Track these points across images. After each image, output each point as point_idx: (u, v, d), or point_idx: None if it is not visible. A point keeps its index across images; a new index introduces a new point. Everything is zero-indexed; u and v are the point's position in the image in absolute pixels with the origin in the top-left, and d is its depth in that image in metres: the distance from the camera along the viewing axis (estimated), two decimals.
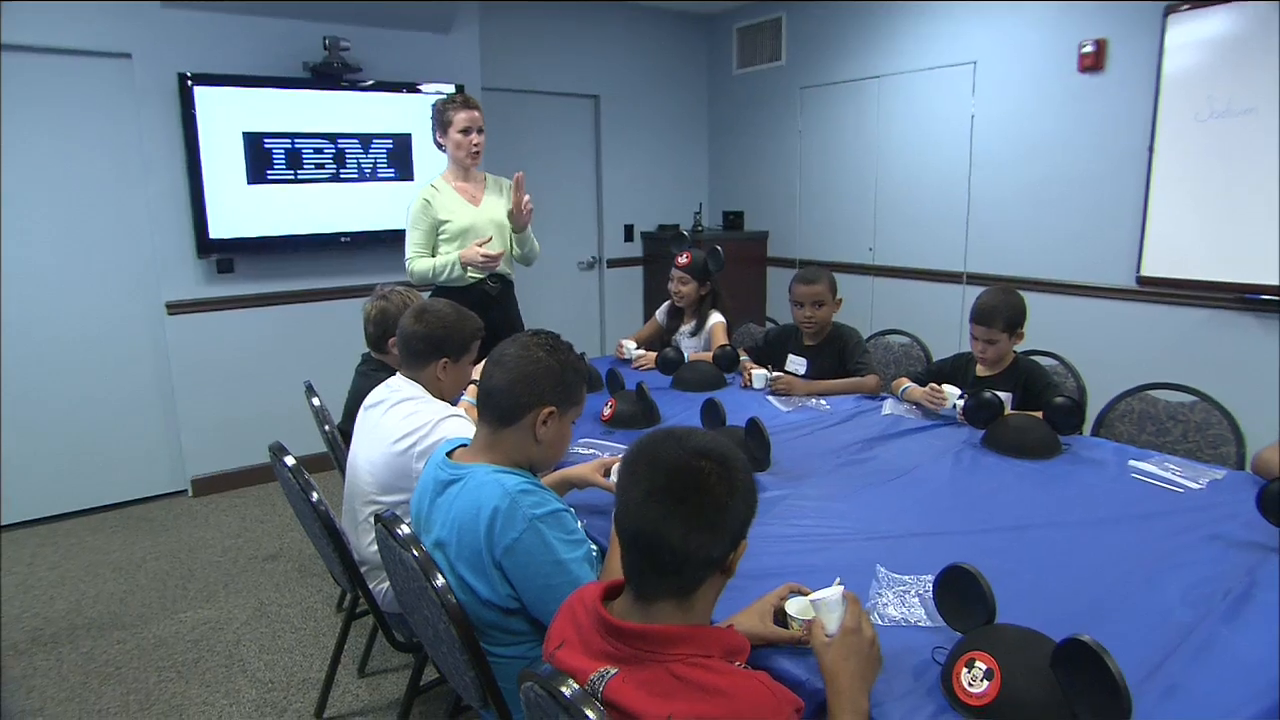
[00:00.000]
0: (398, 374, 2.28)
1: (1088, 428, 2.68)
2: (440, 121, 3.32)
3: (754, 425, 2.29)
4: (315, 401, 2.80)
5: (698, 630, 1.13)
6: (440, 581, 1.51)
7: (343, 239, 4.55)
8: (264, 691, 2.70)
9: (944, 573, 1.41)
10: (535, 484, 1.60)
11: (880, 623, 1.53)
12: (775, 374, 3.19)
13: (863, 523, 1.98)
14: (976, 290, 3.07)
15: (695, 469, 1.12)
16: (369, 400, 2.28)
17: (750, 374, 3.23)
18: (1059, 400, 2.47)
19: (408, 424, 2.10)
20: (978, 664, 1.27)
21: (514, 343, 1.68)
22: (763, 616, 1.45)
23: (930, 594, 1.60)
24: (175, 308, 4.23)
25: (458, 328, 2.23)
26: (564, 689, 1.10)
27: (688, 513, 1.10)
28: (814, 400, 3.06)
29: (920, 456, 2.45)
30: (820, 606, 1.33)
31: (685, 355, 3.49)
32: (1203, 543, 1.84)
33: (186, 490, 4.45)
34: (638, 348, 3.71)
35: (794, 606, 1.47)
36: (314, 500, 1.97)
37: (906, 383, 3.00)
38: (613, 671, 1.13)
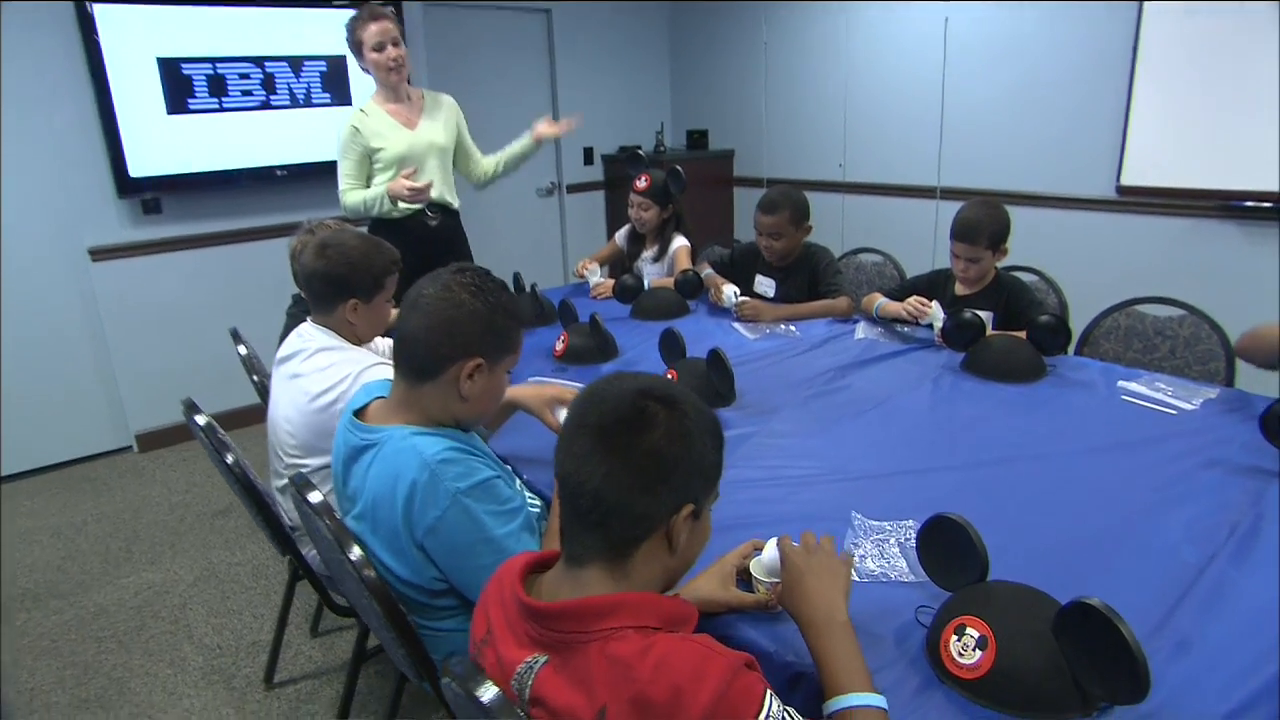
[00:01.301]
0: (308, 320, 2.05)
1: (1071, 346, 2.52)
2: (353, 43, 3.01)
3: (715, 357, 2.10)
4: (242, 350, 2.56)
5: (630, 596, 0.94)
6: (357, 554, 1.32)
7: (279, 172, 4.22)
8: (211, 658, 2.55)
9: (928, 524, 1.25)
10: (461, 447, 1.38)
11: (858, 579, 1.38)
12: (741, 298, 2.99)
13: (836, 461, 1.81)
14: (951, 205, 2.89)
15: (636, 409, 0.94)
16: (282, 352, 2.05)
17: (720, 290, 3.03)
18: (1044, 319, 2.30)
19: (326, 378, 1.87)
20: (969, 631, 1.11)
21: (433, 281, 1.41)
22: (724, 580, 1.29)
23: (912, 542, 1.44)
24: (100, 253, 3.91)
25: (365, 262, 1.94)
26: (482, 692, 0.93)
27: (618, 457, 0.93)
28: (782, 326, 2.87)
29: (897, 384, 2.28)
30: (761, 569, 1.22)
31: (647, 282, 3.27)
32: (1201, 469, 1.70)
33: (131, 446, 4.22)
34: (600, 270, 3.48)
35: (760, 567, 1.30)
36: (229, 462, 1.77)
37: (880, 298, 2.78)
38: (542, 660, 0.96)
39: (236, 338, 2.63)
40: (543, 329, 2.98)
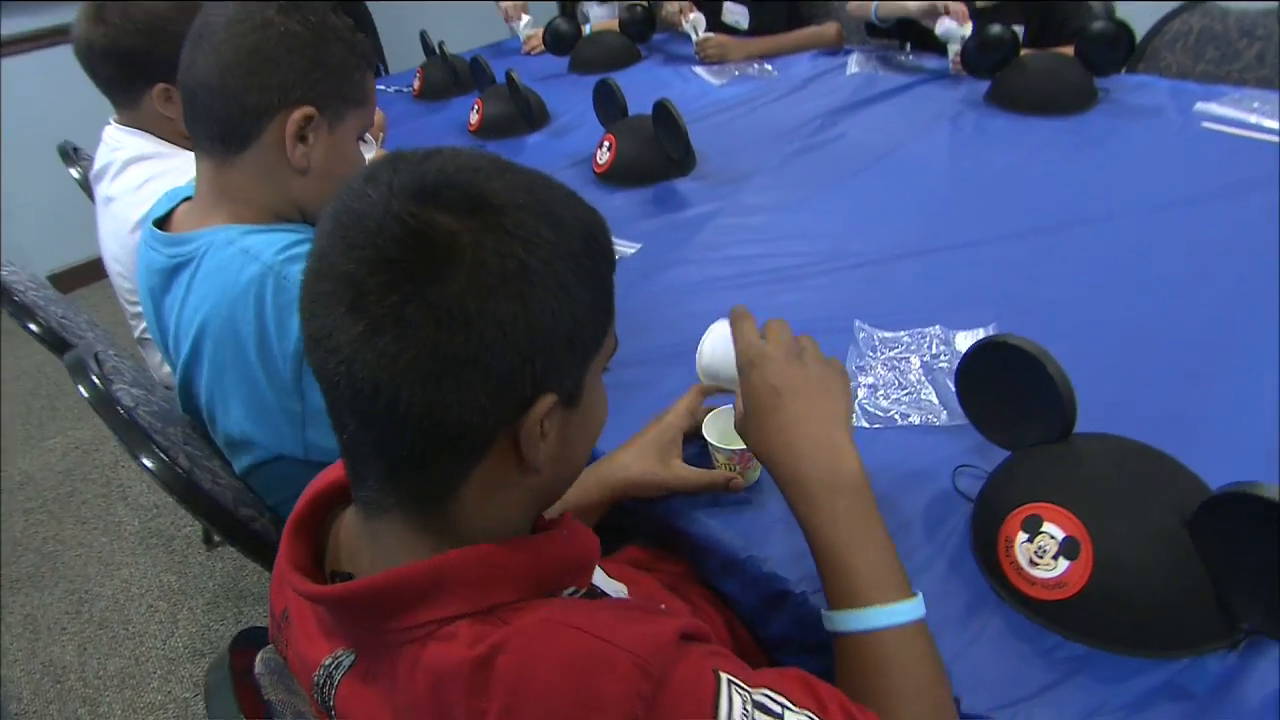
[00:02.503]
0: (110, 123, 1.47)
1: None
2: None
3: (663, 111, 1.56)
4: (74, 172, 1.94)
5: (455, 560, 0.52)
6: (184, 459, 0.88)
7: None
8: (148, 519, 2.24)
9: (974, 353, 0.80)
10: (309, 238, 0.89)
11: (861, 422, 0.96)
12: (705, 34, 2.36)
13: (830, 243, 1.34)
14: None
15: (413, 235, 0.47)
16: (94, 169, 1.49)
17: (686, 14, 2.38)
18: (1098, 27, 1.72)
19: (142, 199, 1.33)
20: (1048, 528, 0.70)
21: (223, 5, 0.91)
22: (662, 451, 0.86)
23: (941, 361, 1.01)
24: None
25: (173, 28, 1.31)
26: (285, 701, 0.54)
27: (393, 329, 0.46)
28: (755, 65, 2.27)
29: (904, 129, 1.75)
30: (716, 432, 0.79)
31: (588, 28, 2.60)
32: None
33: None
34: (531, 21, 2.78)
35: (717, 428, 0.88)
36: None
37: None
38: (346, 660, 0.56)
39: (71, 157, 1.99)
40: (458, 99, 2.40)
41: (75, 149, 1.84)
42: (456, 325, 0.46)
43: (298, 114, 0.91)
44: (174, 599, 1.98)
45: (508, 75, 1.99)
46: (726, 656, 0.56)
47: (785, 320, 0.76)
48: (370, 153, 1.13)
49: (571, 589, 0.57)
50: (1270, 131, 1.52)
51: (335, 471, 0.64)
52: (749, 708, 0.52)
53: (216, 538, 2.04)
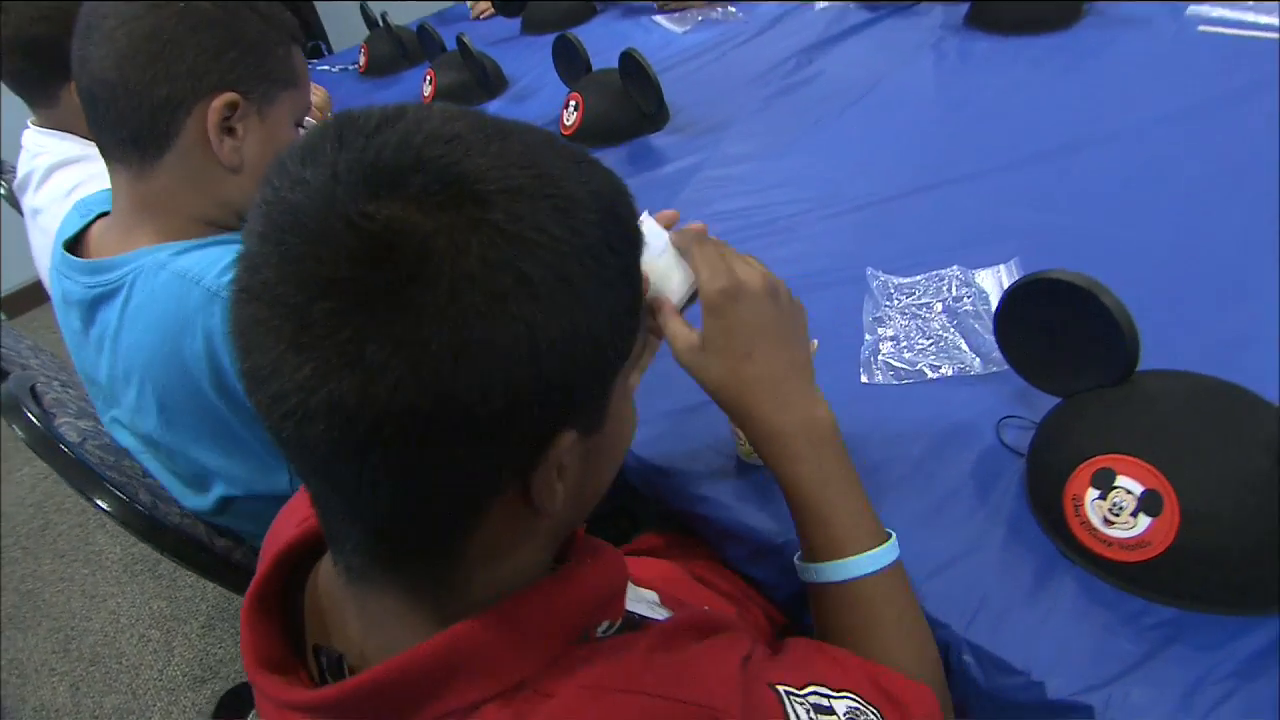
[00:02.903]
0: (29, 126, 1.34)
1: None
2: None
3: (630, 62, 1.45)
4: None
5: (479, 632, 0.41)
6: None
7: None
8: (129, 546, 2.12)
9: (1013, 295, 0.72)
10: None
11: (888, 379, 0.88)
12: None
13: (825, 188, 1.25)
14: None
15: (366, 247, 0.34)
16: (17, 180, 1.37)
17: None
18: None
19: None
20: (1122, 481, 0.62)
21: None
22: None
23: (966, 304, 0.93)
24: None
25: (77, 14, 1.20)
26: None
27: (340, 372, 0.34)
28: (719, 9, 2.16)
29: (885, 61, 1.65)
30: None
31: None
32: None
33: None
34: None
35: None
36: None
37: None
38: None
39: None
40: (408, 72, 2.27)
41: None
42: (438, 366, 0.34)
43: (218, 102, 0.78)
44: (167, 626, 1.89)
45: (459, 41, 1.86)
46: (770, 661, 0.51)
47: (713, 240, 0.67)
48: None
49: (606, 624, 0.48)
50: (1271, 29, 1.44)
51: (301, 523, 0.52)
52: (811, 713, 0.47)
53: None
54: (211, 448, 0.82)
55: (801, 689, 0.48)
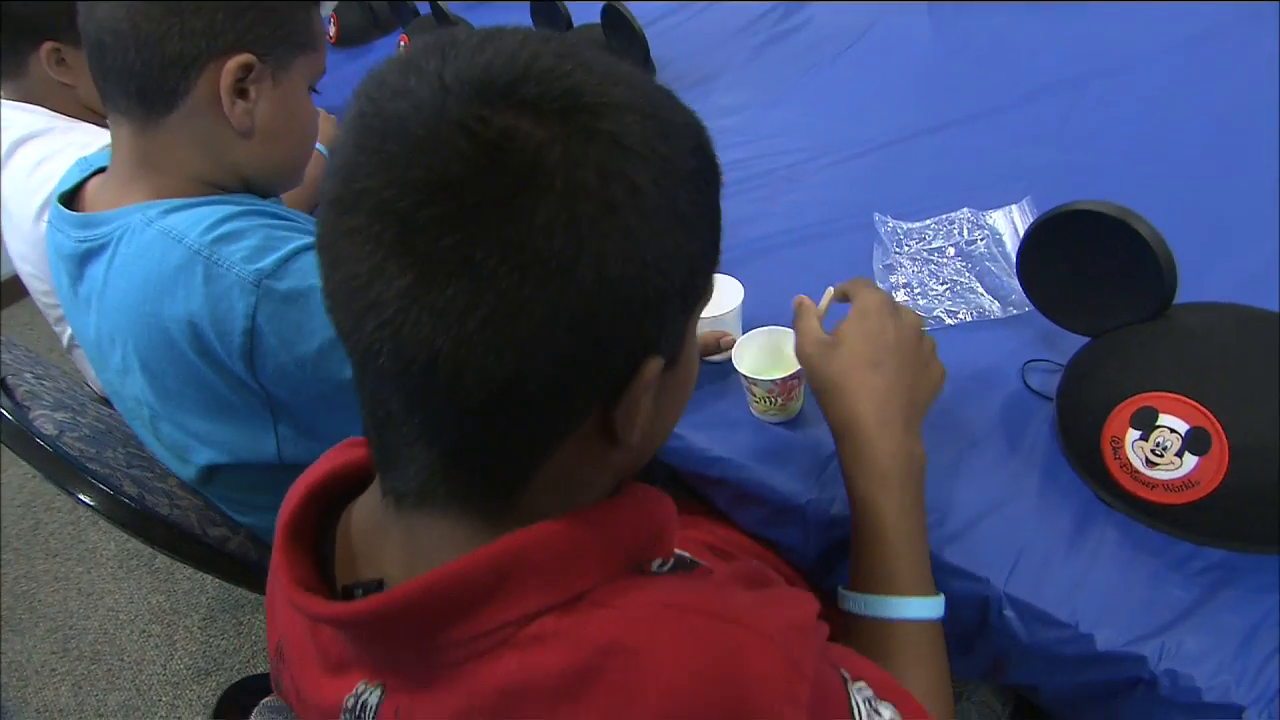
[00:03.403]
0: None
1: None
2: None
3: (613, 14, 1.39)
4: None
5: (540, 539, 0.40)
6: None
7: None
8: (123, 541, 2.06)
9: (1038, 231, 0.68)
10: (247, 208, 0.76)
11: None
12: None
13: (825, 135, 1.20)
14: None
15: (484, 149, 0.33)
16: None
17: None
18: None
19: (41, 181, 1.15)
20: (1166, 420, 0.59)
21: None
22: None
23: (980, 246, 0.89)
24: None
25: None
26: None
27: (457, 280, 0.33)
28: None
29: (877, 4, 1.59)
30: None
31: None
32: None
33: None
34: None
35: (748, 358, 0.76)
36: None
37: None
38: (372, 698, 0.44)
39: None
40: (380, 41, 2.19)
41: None
42: (548, 273, 0.33)
43: (233, 63, 0.74)
44: (167, 620, 1.85)
45: (433, 6, 1.79)
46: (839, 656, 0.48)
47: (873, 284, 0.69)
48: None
49: (659, 560, 0.46)
50: None
51: (328, 462, 0.51)
52: (867, 706, 0.45)
53: None
54: (196, 411, 0.78)
55: (854, 680, 0.46)
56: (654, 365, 0.39)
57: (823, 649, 0.45)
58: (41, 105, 1.23)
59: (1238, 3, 1.24)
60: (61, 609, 1.95)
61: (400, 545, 0.44)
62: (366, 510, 0.48)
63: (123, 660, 1.79)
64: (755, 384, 0.74)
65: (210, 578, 1.92)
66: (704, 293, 0.43)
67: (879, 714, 0.45)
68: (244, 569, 0.83)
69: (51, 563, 2.09)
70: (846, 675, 0.45)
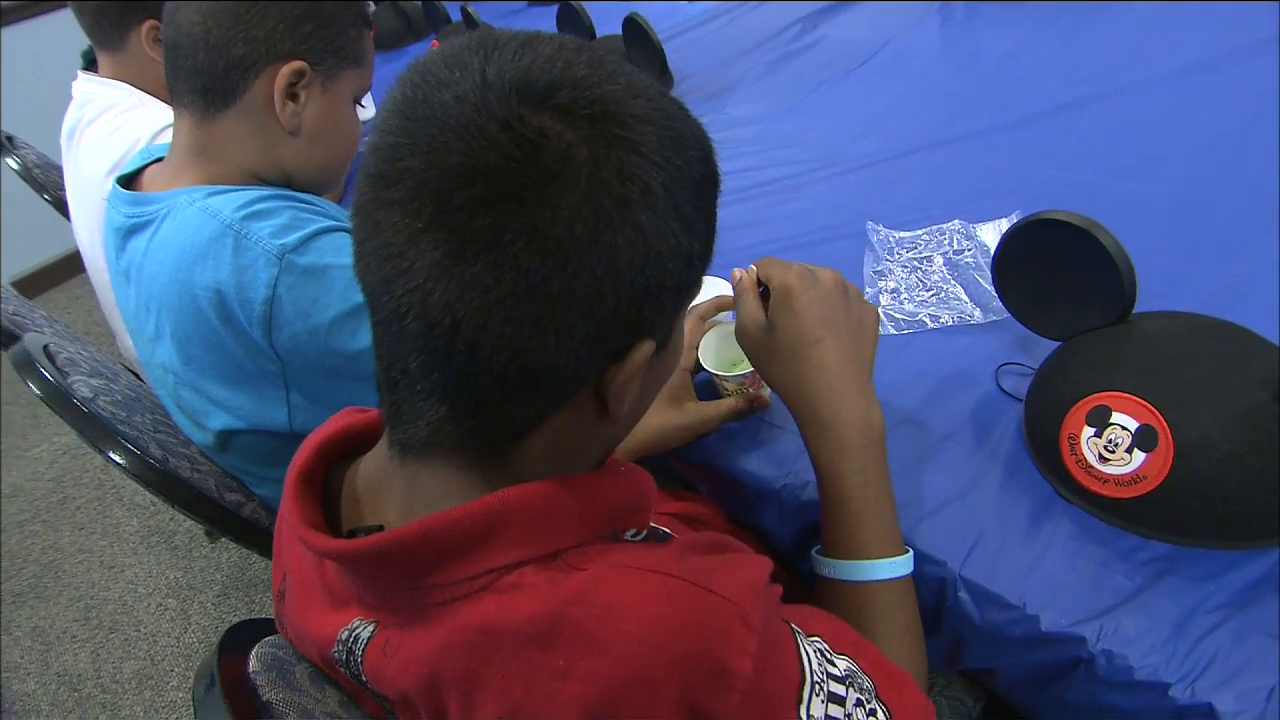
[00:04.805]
0: (79, 76, 1.35)
1: None
2: None
3: (634, 26, 1.45)
4: (12, 162, 1.78)
5: (526, 497, 0.45)
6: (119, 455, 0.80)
7: None
8: (146, 518, 2.16)
9: (1012, 238, 0.72)
10: (281, 194, 0.84)
11: (888, 330, 0.88)
12: None
13: (829, 148, 1.24)
14: None
15: (519, 143, 0.38)
16: (62, 135, 1.37)
17: None
18: None
19: (109, 149, 1.23)
20: (1118, 419, 0.63)
21: None
22: (675, 396, 0.78)
23: (967, 257, 0.93)
24: None
25: None
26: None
27: (483, 258, 0.38)
28: None
29: (889, 26, 1.64)
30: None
31: None
32: None
33: None
34: None
35: (712, 354, 0.80)
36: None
37: None
38: (364, 632, 0.49)
39: (3, 147, 1.81)
40: (414, 46, 2.27)
41: (10, 137, 1.71)
42: (565, 257, 0.38)
43: (287, 69, 0.83)
44: (183, 595, 1.92)
45: (464, 12, 1.86)
46: (782, 603, 0.52)
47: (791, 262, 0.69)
48: (367, 116, 1.04)
49: (632, 531, 0.50)
50: None
51: (339, 421, 0.56)
52: (819, 657, 0.48)
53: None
54: (216, 378, 0.84)
55: (808, 636, 0.50)
56: (647, 347, 0.43)
57: (774, 607, 0.48)
58: (126, 80, 1.31)
59: (1237, 36, 1.27)
60: (84, 579, 2.03)
61: (402, 494, 0.49)
62: (372, 464, 0.52)
63: (139, 631, 1.85)
64: (727, 380, 0.78)
65: (225, 557, 1.99)
66: (696, 287, 0.47)
67: (834, 664, 0.48)
68: (256, 533, 0.89)
69: (77, 535, 2.17)
70: (799, 630, 0.49)
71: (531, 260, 0.38)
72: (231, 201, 0.80)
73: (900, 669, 0.54)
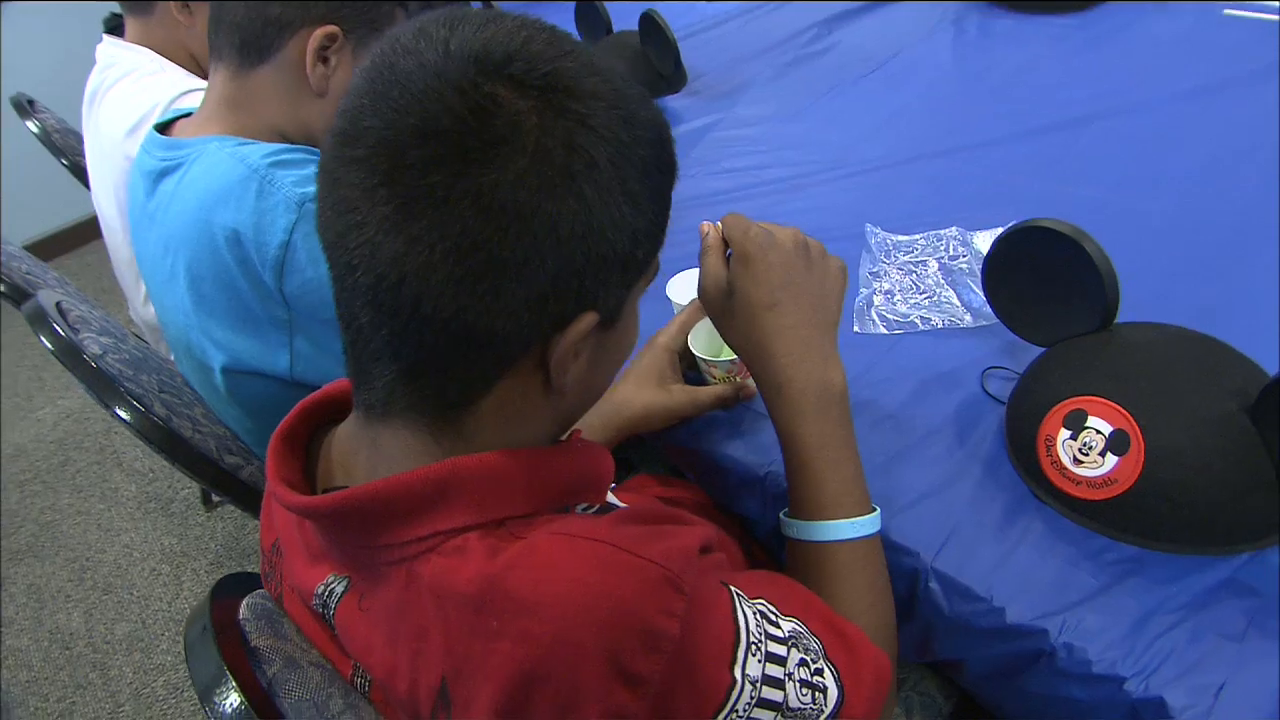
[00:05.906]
0: (104, 40, 1.37)
1: None
2: None
3: (650, 24, 1.47)
4: (32, 125, 1.79)
5: (476, 465, 0.47)
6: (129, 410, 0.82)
7: None
8: (144, 484, 2.19)
9: (1003, 242, 0.74)
10: (305, 150, 0.86)
11: (880, 329, 0.90)
12: None
13: (834, 151, 1.26)
14: None
15: (470, 107, 0.40)
16: (85, 99, 1.39)
17: None
18: None
19: (129, 110, 1.24)
20: (1093, 422, 0.65)
21: None
22: (661, 377, 0.80)
23: (962, 263, 0.95)
24: None
25: None
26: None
27: (429, 217, 0.40)
28: None
29: (905, 34, 1.66)
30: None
31: None
32: None
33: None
34: None
35: (701, 341, 0.82)
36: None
37: None
38: (339, 587, 0.51)
39: (26, 109, 1.83)
40: None
41: (30, 101, 1.73)
42: (507, 220, 0.40)
43: (320, 31, 0.88)
44: (176, 561, 1.95)
45: (485, 5, 1.88)
46: (727, 568, 0.53)
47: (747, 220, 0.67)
48: None
49: (584, 505, 0.52)
50: None
51: (325, 389, 0.58)
52: (758, 618, 0.49)
53: (215, 498, 2.00)
54: (224, 320, 0.87)
55: (752, 599, 0.51)
56: (589, 319, 0.45)
57: (710, 571, 0.49)
58: (150, 46, 1.34)
59: (1239, 64, 1.29)
60: (81, 541, 2.05)
61: (366, 455, 0.51)
62: (347, 426, 0.54)
63: (132, 594, 1.88)
64: (713, 365, 0.80)
65: (220, 528, 2.02)
66: (645, 267, 0.48)
67: (778, 626, 0.50)
68: (253, 496, 0.91)
69: (76, 498, 2.20)
70: (741, 594, 0.49)
71: (475, 220, 0.40)
72: (260, 149, 0.84)
73: (854, 627, 0.55)
